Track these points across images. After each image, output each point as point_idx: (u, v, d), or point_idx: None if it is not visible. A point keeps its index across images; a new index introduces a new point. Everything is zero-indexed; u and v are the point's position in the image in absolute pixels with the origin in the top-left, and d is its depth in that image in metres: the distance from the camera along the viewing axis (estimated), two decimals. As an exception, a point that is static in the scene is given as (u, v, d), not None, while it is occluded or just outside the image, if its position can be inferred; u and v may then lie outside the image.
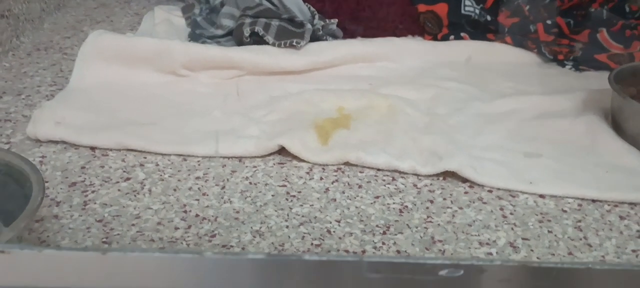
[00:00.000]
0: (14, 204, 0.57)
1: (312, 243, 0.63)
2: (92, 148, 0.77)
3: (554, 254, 0.63)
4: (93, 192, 0.70)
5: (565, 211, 0.69)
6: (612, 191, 0.71)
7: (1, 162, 0.59)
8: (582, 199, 0.71)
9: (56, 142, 0.78)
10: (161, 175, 0.73)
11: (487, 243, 0.64)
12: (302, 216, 0.67)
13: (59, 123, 0.79)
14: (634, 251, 0.64)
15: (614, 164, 0.76)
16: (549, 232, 0.66)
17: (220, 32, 1.04)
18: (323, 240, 0.64)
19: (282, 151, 0.78)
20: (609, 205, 0.71)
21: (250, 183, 0.72)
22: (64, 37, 1.08)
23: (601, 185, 0.72)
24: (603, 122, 0.83)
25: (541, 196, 0.71)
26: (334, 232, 0.65)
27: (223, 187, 0.71)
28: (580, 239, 0.65)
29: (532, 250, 0.63)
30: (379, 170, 0.75)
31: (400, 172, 0.75)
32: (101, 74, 0.90)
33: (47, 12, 1.13)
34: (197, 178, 0.73)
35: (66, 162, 0.75)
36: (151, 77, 0.91)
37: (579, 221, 0.68)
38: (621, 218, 0.69)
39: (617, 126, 0.82)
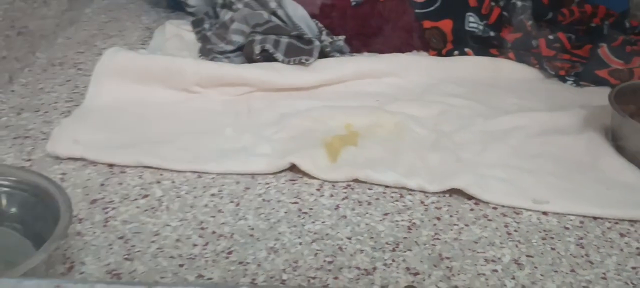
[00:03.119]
0: (41, 225, 0.60)
1: (324, 260, 0.66)
2: (110, 166, 0.80)
3: (556, 271, 0.65)
4: (113, 209, 0.72)
5: (567, 228, 0.72)
6: (613, 208, 0.74)
7: (30, 184, 0.62)
8: (584, 216, 0.74)
9: (75, 159, 0.80)
10: (178, 192, 0.76)
11: (493, 260, 0.67)
12: (315, 233, 0.70)
13: (76, 141, 0.81)
14: (634, 268, 0.66)
15: (614, 181, 0.79)
16: (552, 249, 0.69)
17: (230, 47, 1.07)
18: (335, 257, 0.66)
19: (293, 167, 0.80)
20: (609, 222, 0.73)
21: (264, 200, 0.75)
22: (78, 52, 1.10)
23: (602, 202, 0.75)
24: (603, 139, 0.86)
25: (544, 213, 0.74)
26: (345, 248, 0.68)
27: (237, 204, 0.74)
28: (582, 256, 0.68)
29: (535, 267, 0.66)
30: (387, 187, 0.78)
31: (407, 189, 0.78)
32: (116, 91, 0.92)
33: (61, 27, 1.15)
34: (213, 195, 0.75)
35: (86, 179, 0.77)
36: (164, 95, 0.94)
37: (581, 238, 0.70)
38: (621, 235, 0.71)
39: (617, 143, 0.84)
